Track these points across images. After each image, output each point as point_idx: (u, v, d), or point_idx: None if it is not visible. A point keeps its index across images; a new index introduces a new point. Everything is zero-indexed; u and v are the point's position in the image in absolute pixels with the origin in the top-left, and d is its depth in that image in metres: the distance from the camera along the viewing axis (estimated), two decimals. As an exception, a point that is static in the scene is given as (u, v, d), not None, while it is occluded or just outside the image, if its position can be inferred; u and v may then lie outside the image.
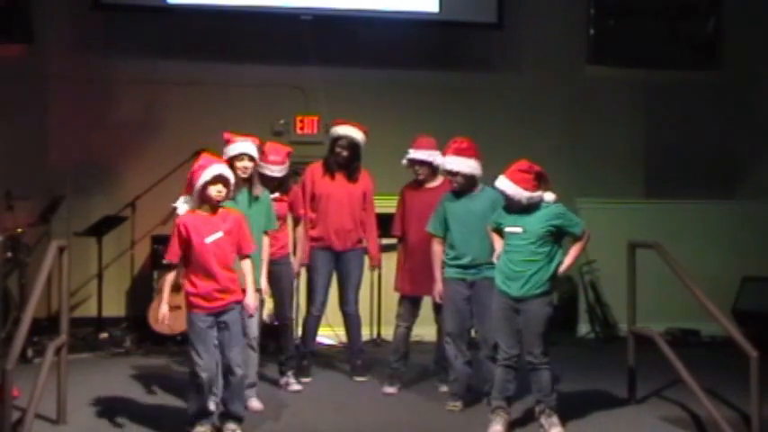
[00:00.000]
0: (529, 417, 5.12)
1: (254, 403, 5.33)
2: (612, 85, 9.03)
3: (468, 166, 5.37)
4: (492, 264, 5.19)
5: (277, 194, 5.75)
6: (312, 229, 6.07)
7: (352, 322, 6.22)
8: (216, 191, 4.63)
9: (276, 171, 5.64)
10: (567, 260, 4.97)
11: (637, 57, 8.97)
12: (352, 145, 6.07)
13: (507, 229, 4.95)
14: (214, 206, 4.68)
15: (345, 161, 6.08)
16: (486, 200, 5.42)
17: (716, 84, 9.06)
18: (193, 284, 4.66)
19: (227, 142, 5.28)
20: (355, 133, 6.09)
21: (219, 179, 4.63)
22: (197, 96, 8.34)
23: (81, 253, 7.70)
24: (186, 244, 4.64)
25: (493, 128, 8.24)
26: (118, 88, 8.39)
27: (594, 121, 8.97)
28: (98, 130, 8.27)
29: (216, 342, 4.69)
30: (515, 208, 4.93)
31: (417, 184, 5.95)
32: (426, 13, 8.51)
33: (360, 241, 6.17)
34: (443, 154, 5.49)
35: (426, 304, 5.98)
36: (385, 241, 6.53)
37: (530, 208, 4.91)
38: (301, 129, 8.50)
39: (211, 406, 4.81)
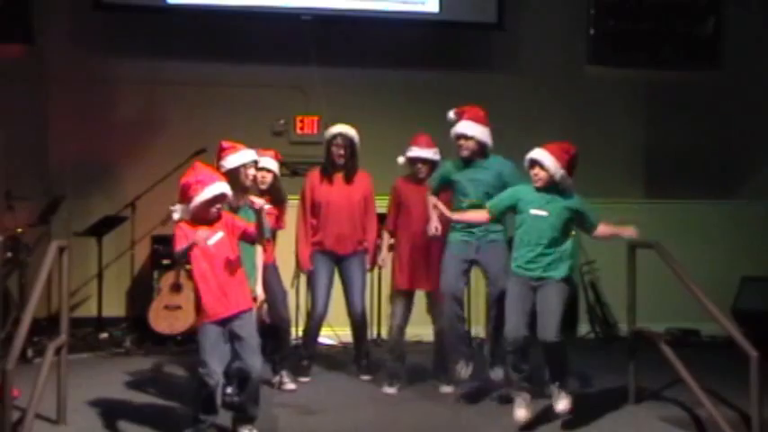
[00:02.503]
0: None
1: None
2: (612, 85, 9.01)
3: (482, 132, 5.45)
4: (499, 229, 5.35)
5: (268, 206, 5.75)
6: (313, 236, 6.06)
7: (359, 325, 6.19)
8: (215, 209, 4.59)
9: (267, 163, 5.62)
10: (609, 229, 5.04)
11: (637, 57, 8.97)
12: (349, 141, 6.04)
13: (532, 212, 4.96)
14: (210, 221, 4.62)
15: (343, 159, 6.04)
16: (492, 168, 5.49)
17: (716, 84, 9.05)
18: (202, 292, 4.58)
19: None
20: (349, 130, 6.08)
21: (220, 200, 4.59)
22: (197, 96, 8.33)
23: (81, 253, 7.69)
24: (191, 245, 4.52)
25: (492, 128, 8.20)
26: (118, 88, 8.38)
27: (594, 121, 8.94)
28: (98, 130, 8.25)
29: (228, 350, 4.63)
30: (542, 184, 4.94)
31: (413, 179, 5.93)
32: (426, 13, 8.49)
33: (361, 244, 6.13)
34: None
35: (420, 302, 5.97)
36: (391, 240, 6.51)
37: (556, 189, 4.93)
38: (301, 129, 8.49)
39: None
